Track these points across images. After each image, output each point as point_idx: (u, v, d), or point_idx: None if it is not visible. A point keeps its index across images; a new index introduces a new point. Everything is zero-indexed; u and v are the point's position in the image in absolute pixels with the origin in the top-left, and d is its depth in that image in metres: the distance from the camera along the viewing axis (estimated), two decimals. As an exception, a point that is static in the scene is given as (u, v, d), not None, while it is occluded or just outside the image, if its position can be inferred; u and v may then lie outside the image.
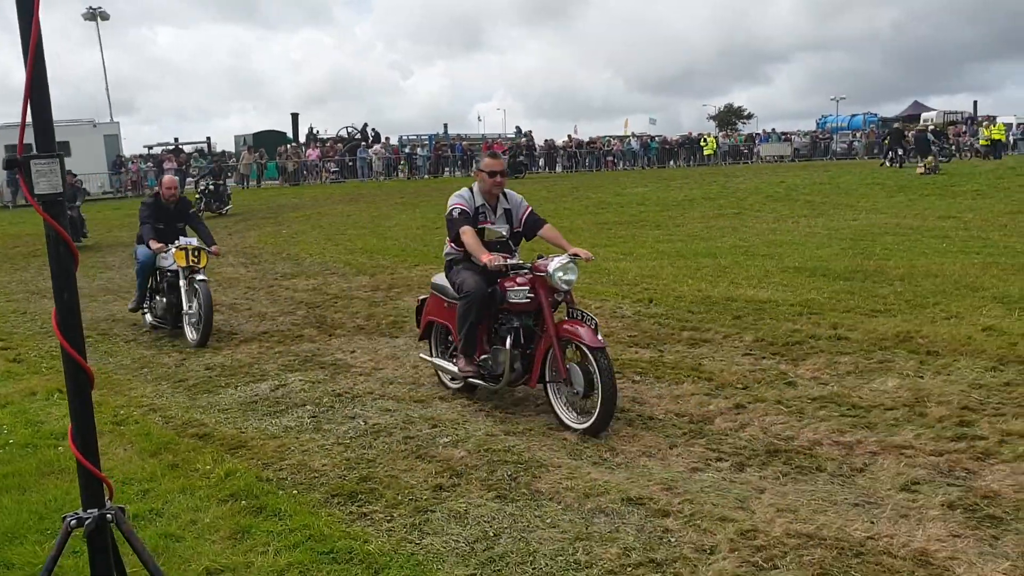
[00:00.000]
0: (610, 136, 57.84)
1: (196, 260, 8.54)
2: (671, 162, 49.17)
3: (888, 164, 35.35)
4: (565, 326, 5.44)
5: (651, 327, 8.25)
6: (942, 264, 10.91)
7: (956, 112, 63.19)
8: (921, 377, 6.20)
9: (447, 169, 45.56)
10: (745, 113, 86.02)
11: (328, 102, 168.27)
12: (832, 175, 30.27)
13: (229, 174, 37.24)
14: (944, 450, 4.81)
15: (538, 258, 5.66)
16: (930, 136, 37.30)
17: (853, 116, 65.18)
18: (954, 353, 6.72)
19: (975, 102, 71.66)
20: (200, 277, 8.44)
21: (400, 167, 43.99)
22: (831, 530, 3.91)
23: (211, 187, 24.99)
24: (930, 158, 31.55)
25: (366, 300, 10.49)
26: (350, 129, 50.25)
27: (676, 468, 4.78)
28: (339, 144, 46.36)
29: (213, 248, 8.87)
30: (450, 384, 6.50)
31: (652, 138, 53.32)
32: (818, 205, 20.20)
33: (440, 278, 6.36)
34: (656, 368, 6.80)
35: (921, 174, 28.31)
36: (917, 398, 5.71)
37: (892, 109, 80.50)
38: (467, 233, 5.81)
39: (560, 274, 5.49)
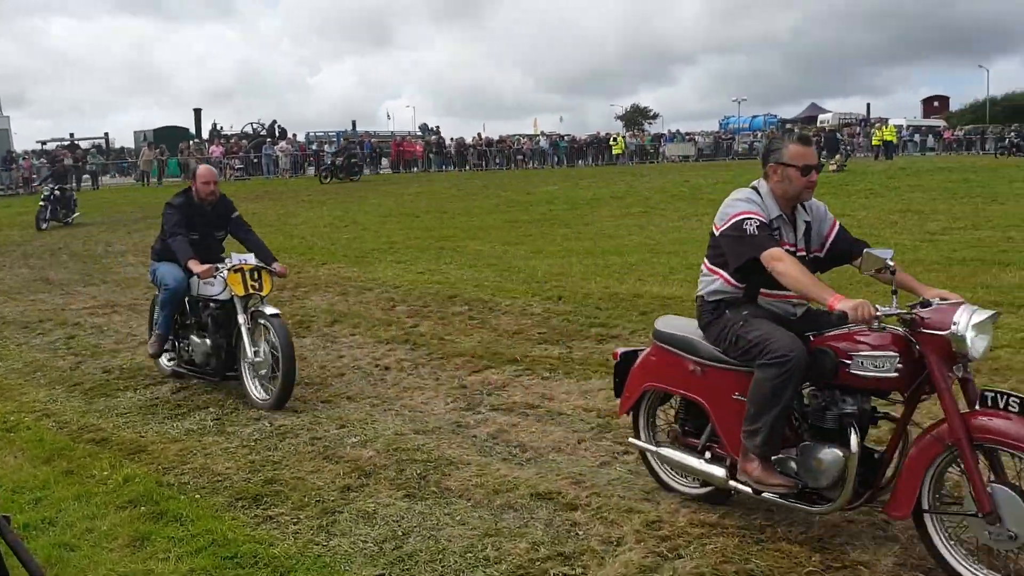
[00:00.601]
0: (520, 135, 58.19)
1: (257, 286, 6.26)
2: (580, 161, 49.71)
3: None
4: (981, 421, 3.31)
5: (560, 324, 8.32)
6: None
7: (850, 114, 65.81)
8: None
9: (356, 167, 44.98)
10: (651, 113, 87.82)
11: (233, 98, 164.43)
12: (734, 174, 31.08)
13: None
14: (839, 439, 4.98)
15: (919, 306, 3.54)
16: (839, 136, 38.88)
17: (754, 117, 67.24)
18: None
19: (868, 105, 74.81)
20: (270, 311, 6.11)
21: (308, 163, 43.34)
22: (733, 518, 4.02)
23: (55, 192, 21.40)
24: (838, 156, 33.14)
25: (271, 300, 10.26)
26: (256, 125, 49.24)
27: (585, 462, 4.83)
28: (244, 140, 45.38)
29: (277, 266, 6.51)
30: (685, 488, 4.33)
31: (561, 137, 53.83)
32: (720, 203, 20.65)
33: (678, 325, 4.37)
34: (565, 364, 6.86)
35: (833, 171, 29.68)
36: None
37: (791, 111, 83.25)
38: (784, 259, 3.68)
39: (972, 335, 3.34)
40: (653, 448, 4.37)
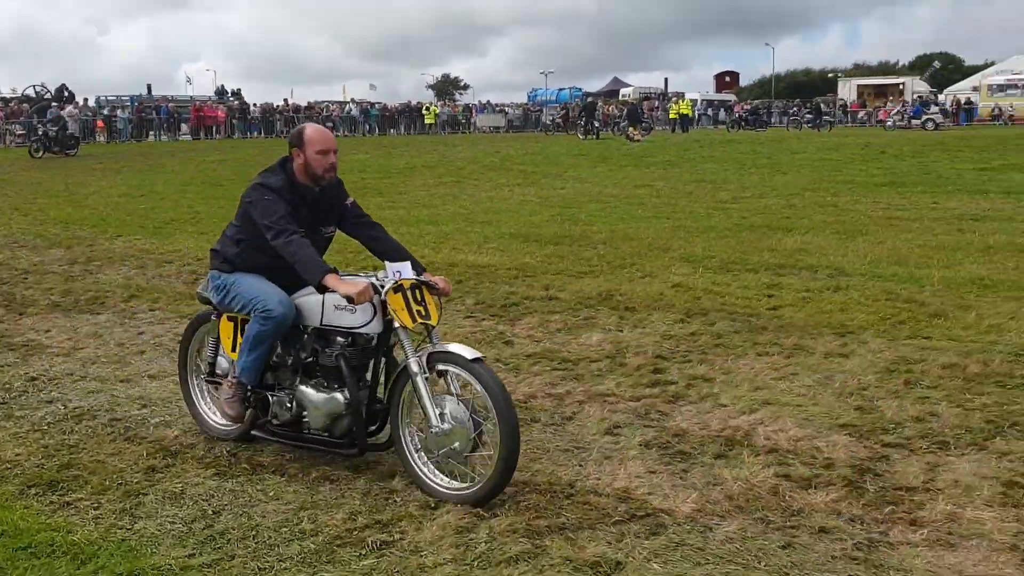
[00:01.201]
0: (329, 101, 56.88)
1: (423, 312, 4.15)
2: (391, 130, 49.26)
3: (583, 137, 38.21)
4: None
5: (373, 294, 8.27)
6: (638, 228, 11.90)
7: (650, 88, 68.88)
8: (621, 331, 6.74)
9: (151, 133, 42.60)
10: (462, 84, 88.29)
11: (12, 58, 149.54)
12: (543, 146, 31.88)
13: None
14: (641, 395, 5.28)
15: None
16: (641, 108, 41.07)
17: (561, 90, 69.01)
18: (648, 308, 7.37)
19: (666, 79, 78.63)
20: (467, 353, 3.96)
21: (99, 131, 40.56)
22: (544, 475, 4.17)
23: None
24: (636, 128, 34.95)
25: (61, 275, 9.59)
26: (39, 88, 45.39)
27: (400, 430, 4.85)
28: (25, 104, 41.77)
29: (439, 280, 4.33)
30: None
31: (372, 105, 53.10)
32: (530, 174, 21.19)
33: None
34: (379, 334, 6.84)
35: (637, 140, 31.16)
36: (618, 350, 6.22)
37: (595, 84, 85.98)
38: None
39: None
40: None
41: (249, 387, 4.45)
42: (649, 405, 5.12)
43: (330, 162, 4.34)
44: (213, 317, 4.72)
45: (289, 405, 4.39)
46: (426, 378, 3.99)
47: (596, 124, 40.13)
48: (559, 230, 11.92)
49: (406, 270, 4.20)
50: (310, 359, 4.36)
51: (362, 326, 4.15)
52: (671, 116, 48.30)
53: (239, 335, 4.50)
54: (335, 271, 4.13)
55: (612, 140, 36.39)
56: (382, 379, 4.34)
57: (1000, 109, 46.87)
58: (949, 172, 18.94)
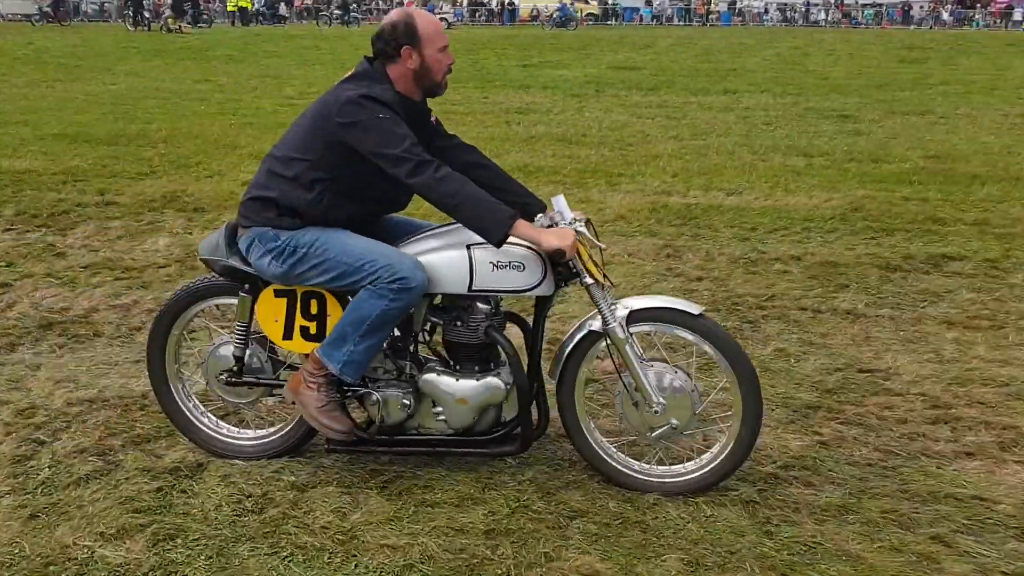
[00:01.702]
0: None
1: (599, 266, 3.07)
2: None
3: (133, 28, 35.60)
4: None
5: None
6: (202, 125, 11.33)
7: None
8: (191, 234, 6.46)
9: None
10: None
11: None
12: (85, 38, 28.74)
13: None
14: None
15: None
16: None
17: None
18: (219, 208, 7.14)
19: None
20: (692, 307, 3.06)
21: None
22: (113, 390, 3.93)
23: None
24: (178, 19, 33.09)
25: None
26: None
27: (-68, 362, 4.24)
28: None
29: (581, 220, 3.09)
30: None
31: None
32: (73, 69, 19.09)
33: None
34: None
35: (183, 33, 29.29)
36: (188, 253, 5.95)
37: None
38: None
39: None
40: None
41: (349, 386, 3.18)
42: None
43: (450, 62, 3.13)
44: (242, 293, 3.25)
45: (407, 402, 3.18)
46: (639, 359, 3.07)
47: (146, 15, 37.01)
48: (112, 129, 10.93)
49: (564, 207, 3.08)
50: (421, 337, 3.26)
51: (531, 287, 3.04)
52: (230, 8, 46.01)
53: (298, 316, 3.17)
54: (519, 214, 2.92)
55: (160, 33, 33.80)
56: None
57: (537, 10, 51.32)
58: (496, 69, 20.48)
